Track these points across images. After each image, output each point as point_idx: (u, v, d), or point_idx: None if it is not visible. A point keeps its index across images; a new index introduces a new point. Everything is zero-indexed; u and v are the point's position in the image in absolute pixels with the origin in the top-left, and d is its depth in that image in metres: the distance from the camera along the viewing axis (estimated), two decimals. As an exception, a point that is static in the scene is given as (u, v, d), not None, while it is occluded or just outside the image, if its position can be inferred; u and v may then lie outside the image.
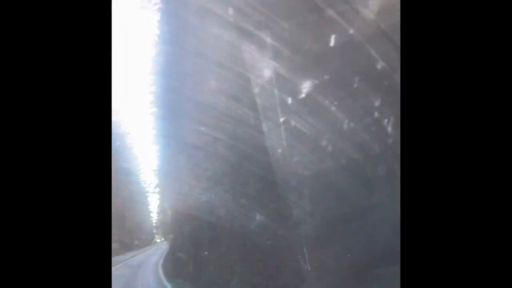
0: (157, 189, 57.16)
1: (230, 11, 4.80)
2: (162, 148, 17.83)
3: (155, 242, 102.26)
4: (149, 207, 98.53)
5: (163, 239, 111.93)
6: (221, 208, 6.19)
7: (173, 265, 13.84)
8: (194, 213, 7.49)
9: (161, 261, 22.57)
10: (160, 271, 14.98)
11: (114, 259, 20.65)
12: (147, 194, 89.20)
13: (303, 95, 4.52)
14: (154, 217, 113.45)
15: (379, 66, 3.97)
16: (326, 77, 4.34)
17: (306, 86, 4.48)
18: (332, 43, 4.07)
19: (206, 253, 6.88)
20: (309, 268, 4.66)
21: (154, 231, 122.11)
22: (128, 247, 49.58)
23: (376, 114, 4.13)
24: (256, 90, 5.19)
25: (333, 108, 4.24)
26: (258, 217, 5.46)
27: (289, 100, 4.75)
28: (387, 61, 3.90)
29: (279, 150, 5.04)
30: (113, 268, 14.62)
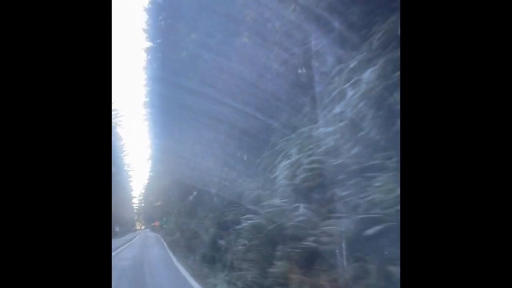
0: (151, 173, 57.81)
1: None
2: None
3: (135, 230, 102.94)
4: (131, 192, 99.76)
5: (143, 227, 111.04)
6: (266, 197, 6.19)
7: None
8: (239, 201, 7.48)
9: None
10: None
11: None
12: (130, 179, 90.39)
13: (363, 86, 4.57)
14: (136, 202, 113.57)
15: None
16: (390, 67, 4.26)
17: (369, 77, 4.51)
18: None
19: (246, 242, 6.93)
20: (345, 264, 4.52)
21: (136, 217, 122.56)
22: (112, 234, 50.64)
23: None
24: (316, 77, 5.28)
25: (392, 101, 4.21)
26: (301, 209, 5.47)
27: (349, 91, 4.80)
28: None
29: (332, 142, 5.03)
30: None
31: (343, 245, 4.58)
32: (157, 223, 60.92)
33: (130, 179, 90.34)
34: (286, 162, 6.00)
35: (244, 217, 7.16)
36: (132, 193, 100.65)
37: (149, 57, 20.58)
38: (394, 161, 4.07)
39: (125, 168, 78.65)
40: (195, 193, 13.50)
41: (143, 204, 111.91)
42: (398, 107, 2.19)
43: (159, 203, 48.45)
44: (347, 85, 4.74)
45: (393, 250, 3.66)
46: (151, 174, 76.59)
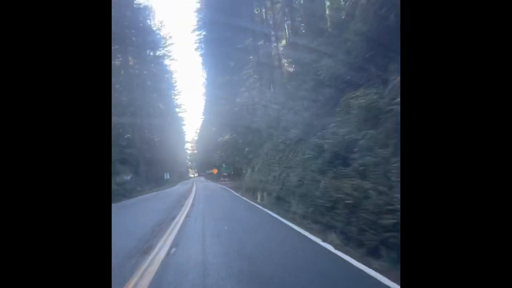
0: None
1: None
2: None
3: (189, 177, 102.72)
4: (184, 135, 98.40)
5: (196, 174, 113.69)
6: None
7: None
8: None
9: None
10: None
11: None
12: (182, 122, 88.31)
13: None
14: (189, 148, 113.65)
15: None
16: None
17: None
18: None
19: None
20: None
21: (189, 163, 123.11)
22: (161, 182, 46.60)
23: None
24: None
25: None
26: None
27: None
28: None
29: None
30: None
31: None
32: (215, 170, 56.96)
33: (182, 122, 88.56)
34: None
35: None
36: (185, 136, 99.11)
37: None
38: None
39: (176, 109, 76.54)
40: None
41: (195, 151, 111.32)
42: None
43: (227, 136, 39.75)
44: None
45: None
46: (207, 113, 74.54)
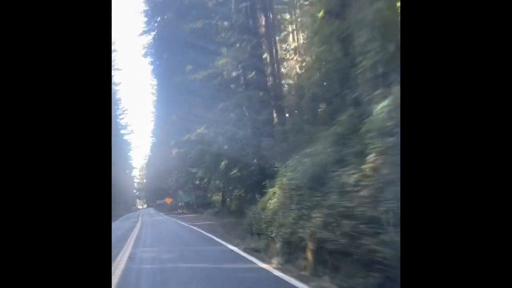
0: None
1: None
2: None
3: (137, 209, 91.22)
4: (131, 161, 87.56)
5: (145, 205, 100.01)
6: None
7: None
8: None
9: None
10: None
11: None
12: (129, 146, 77.83)
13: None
14: (137, 176, 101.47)
15: None
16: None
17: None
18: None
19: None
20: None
21: (137, 193, 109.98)
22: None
23: None
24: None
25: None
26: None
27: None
28: None
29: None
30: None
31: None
32: (168, 200, 47.51)
33: (129, 146, 79.14)
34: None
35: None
36: (131, 162, 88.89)
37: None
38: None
39: (121, 130, 67.67)
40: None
41: (144, 180, 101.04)
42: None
43: (200, 129, 22.67)
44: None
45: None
46: (155, 137, 65.63)
